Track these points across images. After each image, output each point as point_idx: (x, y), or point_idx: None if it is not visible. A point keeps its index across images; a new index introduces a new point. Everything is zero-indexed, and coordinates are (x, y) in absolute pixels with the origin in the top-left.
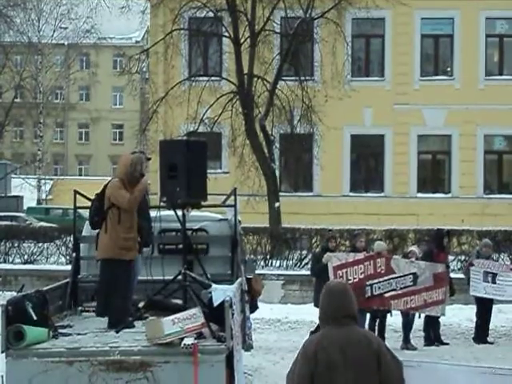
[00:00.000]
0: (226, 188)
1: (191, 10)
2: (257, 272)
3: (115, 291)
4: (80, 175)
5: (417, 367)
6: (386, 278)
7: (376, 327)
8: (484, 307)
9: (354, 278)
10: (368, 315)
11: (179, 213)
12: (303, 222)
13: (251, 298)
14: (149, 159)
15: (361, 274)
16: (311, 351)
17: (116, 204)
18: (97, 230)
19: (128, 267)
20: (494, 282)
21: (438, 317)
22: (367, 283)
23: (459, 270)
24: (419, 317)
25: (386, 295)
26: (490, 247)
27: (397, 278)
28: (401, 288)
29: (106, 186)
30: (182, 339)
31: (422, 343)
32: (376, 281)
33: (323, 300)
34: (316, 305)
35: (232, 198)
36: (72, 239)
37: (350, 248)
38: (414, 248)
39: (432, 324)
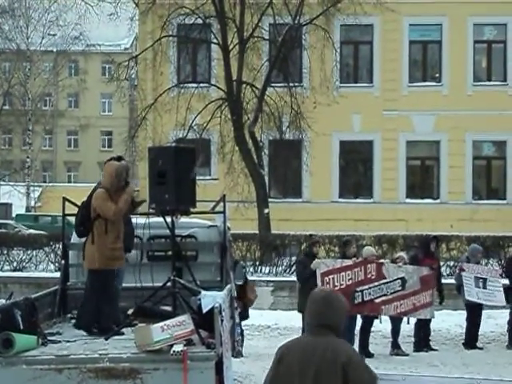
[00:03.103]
0: (215, 194)
1: (180, 16)
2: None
3: (104, 300)
4: (69, 182)
5: (401, 381)
6: (376, 283)
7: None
8: (474, 313)
9: (341, 285)
10: (360, 321)
11: (168, 219)
12: (292, 228)
13: (244, 306)
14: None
15: (348, 280)
16: (278, 356)
17: (101, 215)
18: (83, 238)
19: (115, 276)
20: (484, 287)
21: (430, 320)
22: (357, 289)
23: (448, 275)
24: (408, 322)
25: (377, 301)
26: (480, 252)
27: (387, 283)
28: (391, 293)
29: (91, 195)
30: (172, 346)
31: (412, 349)
32: (366, 286)
33: (307, 306)
34: (300, 310)
35: (221, 204)
36: (61, 246)
37: (339, 254)
38: (401, 253)
39: (422, 330)
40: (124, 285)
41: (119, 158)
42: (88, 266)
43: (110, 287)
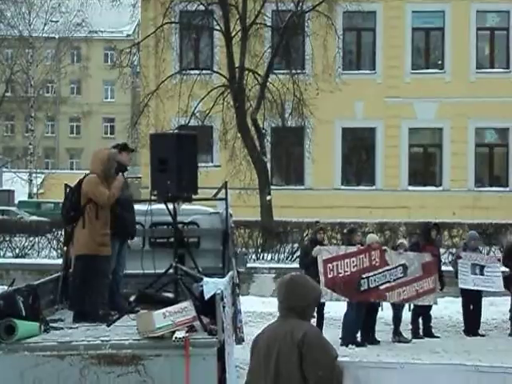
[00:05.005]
0: (218, 181)
1: (182, 3)
2: (248, 265)
3: (91, 286)
4: (71, 169)
5: (399, 369)
6: (380, 270)
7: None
8: (471, 299)
9: (346, 272)
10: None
11: (170, 206)
12: (295, 215)
13: None
14: (132, 150)
15: (353, 267)
16: (252, 346)
17: (94, 200)
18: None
19: (104, 262)
20: (482, 273)
21: (430, 308)
22: (363, 276)
23: (450, 262)
24: (409, 310)
25: (382, 287)
26: (477, 240)
27: (390, 269)
28: (394, 280)
29: (81, 181)
30: (174, 332)
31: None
32: (372, 273)
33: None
34: None
35: (223, 191)
36: (63, 233)
37: (342, 242)
38: (403, 240)
39: (423, 317)
40: (126, 271)
41: (125, 146)
42: (78, 252)
43: (99, 274)
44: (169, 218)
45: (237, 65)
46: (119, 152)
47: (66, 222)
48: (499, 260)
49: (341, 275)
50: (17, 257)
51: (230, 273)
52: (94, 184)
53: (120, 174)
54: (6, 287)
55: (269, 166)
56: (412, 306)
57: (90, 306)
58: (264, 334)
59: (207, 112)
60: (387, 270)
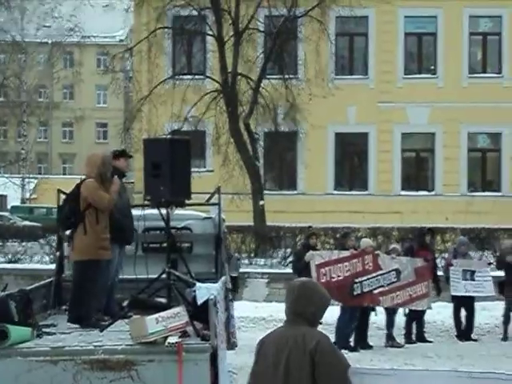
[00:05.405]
0: (211, 186)
1: (175, 8)
2: (241, 270)
3: (89, 290)
4: (64, 174)
5: (392, 375)
6: (373, 274)
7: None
8: (462, 304)
9: (339, 276)
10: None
11: (163, 211)
12: (287, 220)
13: None
14: (130, 157)
15: (346, 271)
16: (257, 349)
17: (94, 205)
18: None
19: (105, 267)
20: (472, 279)
21: (424, 313)
22: (356, 280)
23: (442, 267)
24: (404, 314)
25: (375, 292)
26: (467, 245)
27: (383, 274)
28: (387, 284)
29: (78, 186)
30: (167, 338)
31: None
32: (365, 278)
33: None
34: None
35: (216, 196)
36: (56, 238)
37: (334, 246)
38: (395, 245)
39: (416, 322)
40: (119, 276)
41: (123, 152)
42: (79, 257)
43: (101, 278)
44: (162, 223)
45: (229, 70)
46: (117, 158)
47: (64, 227)
48: (489, 264)
49: (334, 280)
50: (9, 262)
51: (223, 278)
52: (92, 188)
53: (116, 177)
54: None
55: (261, 170)
56: (407, 311)
57: (84, 310)
58: (270, 339)
59: (200, 117)
60: (380, 275)
